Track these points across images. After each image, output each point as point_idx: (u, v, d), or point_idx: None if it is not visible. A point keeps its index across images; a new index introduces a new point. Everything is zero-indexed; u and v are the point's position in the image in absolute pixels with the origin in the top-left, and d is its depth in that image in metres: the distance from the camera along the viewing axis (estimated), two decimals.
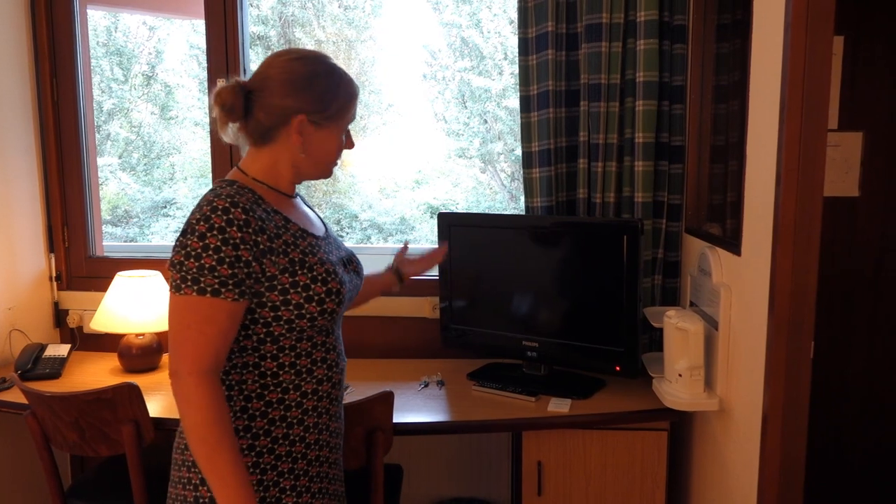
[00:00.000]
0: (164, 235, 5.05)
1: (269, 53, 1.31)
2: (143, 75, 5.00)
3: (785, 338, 1.33)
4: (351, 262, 1.43)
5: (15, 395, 1.94)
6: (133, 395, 1.68)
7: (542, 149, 2.11)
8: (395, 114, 5.02)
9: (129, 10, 3.77)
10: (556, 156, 2.13)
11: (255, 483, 1.24)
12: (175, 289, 1.16)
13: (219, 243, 1.15)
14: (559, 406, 1.89)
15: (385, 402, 1.69)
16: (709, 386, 1.71)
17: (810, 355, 1.34)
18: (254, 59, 4.28)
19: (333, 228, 1.48)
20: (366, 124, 4.75)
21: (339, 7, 4.89)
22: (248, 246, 1.17)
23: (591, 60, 2.04)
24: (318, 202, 4.78)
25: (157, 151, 5.18)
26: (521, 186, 2.18)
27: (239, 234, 1.16)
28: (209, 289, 1.14)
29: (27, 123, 2.37)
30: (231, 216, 1.16)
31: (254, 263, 1.18)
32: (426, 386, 2.09)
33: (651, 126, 2.01)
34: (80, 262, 2.50)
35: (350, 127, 1.37)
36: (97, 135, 4.83)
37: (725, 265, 1.65)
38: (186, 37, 4.85)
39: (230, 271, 1.15)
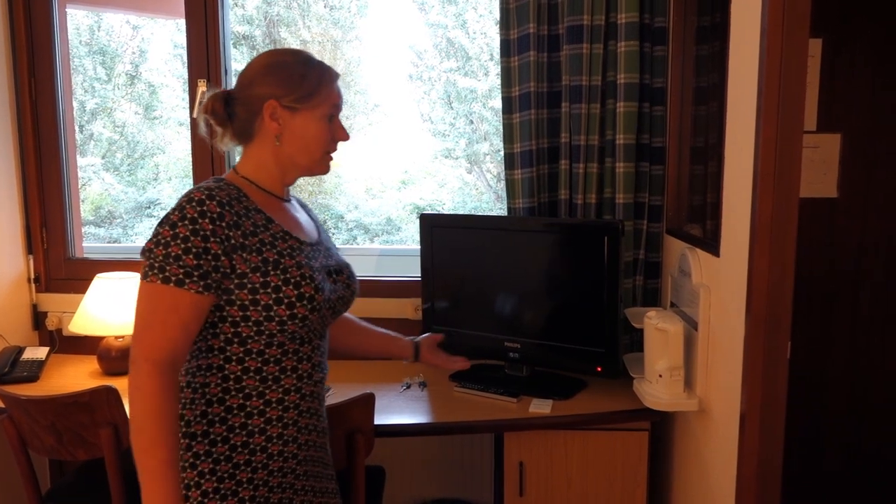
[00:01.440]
0: (147, 236, 5.01)
1: (254, 53, 1.33)
2: (126, 75, 4.95)
3: (762, 337, 1.34)
4: (340, 272, 1.39)
5: None
6: (111, 399, 1.66)
7: (524, 150, 2.11)
8: (380, 114, 5.01)
9: (110, 9, 3.73)
10: (537, 157, 2.13)
11: (212, 491, 1.20)
12: (143, 276, 1.17)
13: (188, 233, 1.15)
14: (541, 407, 1.89)
15: (366, 404, 1.68)
16: (688, 386, 1.72)
17: (787, 355, 1.35)
18: (238, 59, 4.26)
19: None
20: (351, 124, 4.73)
21: (324, 7, 4.87)
22: (219, 239, 1.17)
23: (573, 62, 2.04)
24: None
25: (141, 151, 5.14)
26: None
27: (210, 227, 1.16)
28: (173, 278, 1.14)
29: (5, 123, 2.34)
30: (205, 208, 1.17)
31: (223, 258, 1.17)
32: (408, 387, 2.08)
33: (632, 127, 2.01)
34: (59, 264, 2.47)
35: (342, 118, 1.35)
36: (80, 135, 4.80)
37: (705, 266, 1.66)
38: (170, 36, 4.81)
39: (196, 262, 1.15)
